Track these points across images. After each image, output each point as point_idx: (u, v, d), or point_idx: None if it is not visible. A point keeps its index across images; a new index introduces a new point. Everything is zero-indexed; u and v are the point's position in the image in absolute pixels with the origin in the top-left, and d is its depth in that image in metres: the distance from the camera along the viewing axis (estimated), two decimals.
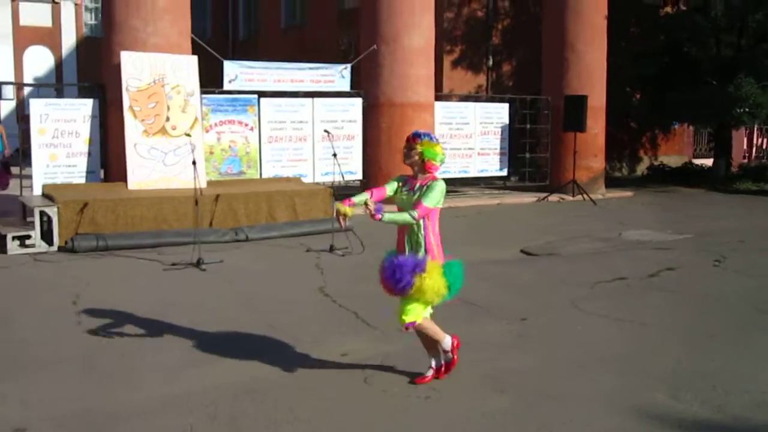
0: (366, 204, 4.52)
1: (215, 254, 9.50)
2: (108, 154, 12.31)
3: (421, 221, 4.73)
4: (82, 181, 12.10)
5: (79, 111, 12.08)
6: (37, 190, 11.62)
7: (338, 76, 14.07)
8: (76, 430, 4.35)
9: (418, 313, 4.84)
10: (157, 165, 11.77)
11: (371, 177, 14.46)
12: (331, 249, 9.94)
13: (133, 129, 11.59)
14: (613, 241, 10.98)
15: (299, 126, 13.76)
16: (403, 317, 4.82)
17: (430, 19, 14.39)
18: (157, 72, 11.79)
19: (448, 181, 15.85)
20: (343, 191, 14.49)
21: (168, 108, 11.90)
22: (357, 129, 14.36)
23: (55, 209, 10.10)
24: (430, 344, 5.05)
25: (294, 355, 5.67)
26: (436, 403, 4.74)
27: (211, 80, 13.21)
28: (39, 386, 5.01)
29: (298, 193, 11.86)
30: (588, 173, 16.73)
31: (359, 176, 14.52)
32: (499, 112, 16.34)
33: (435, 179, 4.78)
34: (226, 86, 13.17)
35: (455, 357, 5.12)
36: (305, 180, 13.72)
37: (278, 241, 10.64)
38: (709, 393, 4.87)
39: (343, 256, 9.73)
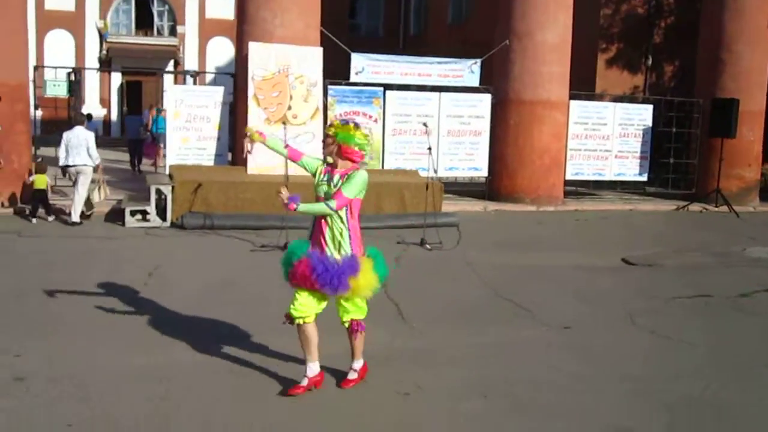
0: (279, 193, 4.51)
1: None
2: (236, 139, 12.94)
3: (344, 214, 4.52)
4: (211, 163, 12.84)
5: (211, 98, 12.83)
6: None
7: (467, 71, 13.96)
8: (67, 386, 4.69)
9: (364, 309, 4.75)
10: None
11: (496, 174, 14.26)
12: (422, 243, 9.94)
13: (255, 116, 12.13)
14: (730, 256, 10.16)
15: (424, 120, 13.76)
16: (354, 316, 4.72)
17: (566, 16, 13.92)
18: (282, 62, 12.26)
19: (581, 183, 15.39)
20: (461, 187, 14.45)
21: (290, 97, 12.35)
22: (484, 125, 14.17)
23: (170, 188, 10.81)
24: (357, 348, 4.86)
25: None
26: (413, 402, 4.68)
27: (339, 71, 13.53)
28: (61, 344, 5.45)
29: (406, 185, 11.92)
30: (739, 183, 15.52)
31: (484, 173, 14.34)
32: (641, 114, 15.50)
33: (357, 169, 4.55)
34: (353, 78, 13.45)
35: (354, 379, 4.87)
36: (424, 174, 13.74)
37: (376, 232, 10.72)
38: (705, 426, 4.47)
39: (430, 250, 9.71)
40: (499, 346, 5.82)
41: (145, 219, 10.81)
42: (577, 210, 13.74)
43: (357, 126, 4.62)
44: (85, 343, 5.50)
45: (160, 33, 29.93)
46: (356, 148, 4.56)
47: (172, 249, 9.32)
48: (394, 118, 13.62)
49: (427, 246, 9.83)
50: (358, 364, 4.87)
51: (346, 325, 4.76)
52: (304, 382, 4.67)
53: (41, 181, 10.95)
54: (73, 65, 27.75)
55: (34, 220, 10.74)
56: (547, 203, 13.84)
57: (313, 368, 4.70)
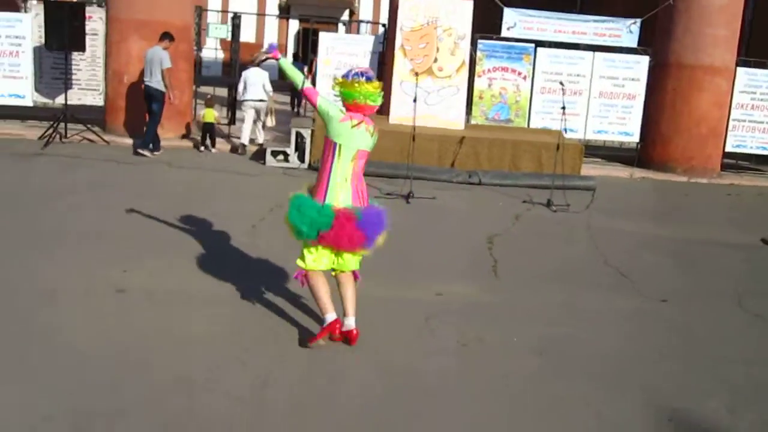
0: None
1: (436, 192, 9.93)
2: (384, 89, 13.19)
3: (352, 169, 4.61)
4: None
5: (361, 46, 13.11)
6: None
7: (625, 30, 13.38)
8: (155, 301, 5.17)
9: (301, 258, 4.70)
10: (419, 103, 12.35)
11: (648, 140, 13.66)
12: (548, 204, 9.81)
13: (401, 67, 12.30)
14: None
15: (575, 80, 13.41)
16: (351, 268, 4.74)
17: None
18: (431, 14, 12.31)
19: (744, 156, 14.16)
20: (609, 152, 13.95)
21: (437, 49, 12.40)
22: (639, 89, 13.56)
23: (309, 131, 11.24)
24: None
25: (394, 290, 5.95)
26: (465, 353, 4.77)
27: (491, 26, 13.40)
28: (164, 264, 5.96)
29: (546, 145, 11.70)
30: None
31: (635, 138, 13.78)
32: None
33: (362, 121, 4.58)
34: (504, 33, 13.27)
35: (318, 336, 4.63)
36: (573, 135, 13.41)
37: (507, 190, 10.70)
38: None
39: (555, 211, 9.56)
40: (583, 311, 5.73)
41: (285, 160, 11.34)
42: (732, 184, 12.95)
43: (362, 79, 4.57)
44: (182, 265, 5.98)
45: None
46: (361, 102, 4.55)
47: (298, 188, 9.73)
48: (544, 76, 13.34)
49: (553, 207, 9.68)
50: (328, 315, 4.60)
51: (334, 275, 4.75)
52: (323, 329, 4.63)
53: (210, 115, 12.06)
54: (256, 11, 29.08)
55: (202, 149, 11.81)
56: (701, 175, 13.13)
57: (331, 315, 4.59)
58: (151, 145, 11.36)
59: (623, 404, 4.19)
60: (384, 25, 13.49)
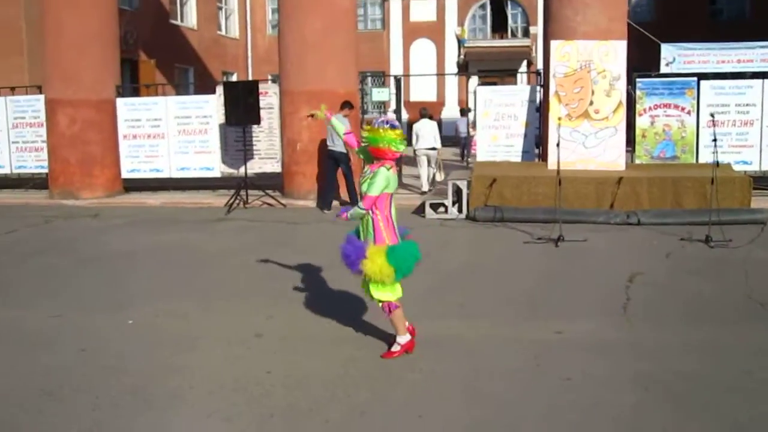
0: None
1: (590, 234, 9.91)
2: (543, 135, 13.35)
3: (373, 209, 5.09)
4: (518, 159, 13.40)
5: (518, 96, 13.39)
6: None
7: None
8: (289, 345, 5.70)
9: (386, 292, 5.19)
10: (577, 147, 12.40)
11: None
12: (707, 240, 9.46)
13: (556, 113, 12.41)
14: None
15: (745, 109, 12.84)
16: (375, 297, 5.26)
17: None
18: (584, 58, 12.37)
19: None
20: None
21: (592, 92, 12.40)
22: None
23: (465, 182, 11.60)
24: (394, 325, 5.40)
25: (515, 329, 6.13)
26: (566, 387, 4.86)
27: (648, 63, 13.20)
28: (299, 311, 6.51)
29: (709, 180, 11.26)
30: None
31: None
32: None
33: (381, 166, 5.04)
34: (663, 69, 13.03)
35: (396, 351, 5.36)
36: (747, 167, 12.81)
37: (668, 228, 10.41)
38: None
39: (712, 248, 9.21)
40: (709, 347, 5.57)
41: (445, 212, 11.75)
42: None
43: (387, 127, 5.07)
44: (312, 311, 6.50)
45: (514, 35, 31.07)
46: (384, 147, 5.03)
47: (451, 238, 10.11)
48: (710, 108, 12.87)
49: (711, 244, 9.32)
50: (401, 339, 5.35)
51: (378, 304, 5.35)
52: (398, 348, 5.38)
53: None
54: (435, 71, 30.12)
55: None
56: None
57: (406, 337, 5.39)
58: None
59: None
60: (538, 73, 13.67)
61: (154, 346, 5.77)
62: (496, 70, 28.98)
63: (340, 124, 5.38)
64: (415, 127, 14.71)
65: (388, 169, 5.08)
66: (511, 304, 6.81)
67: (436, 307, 6.71)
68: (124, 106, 14.70)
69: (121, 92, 15.09)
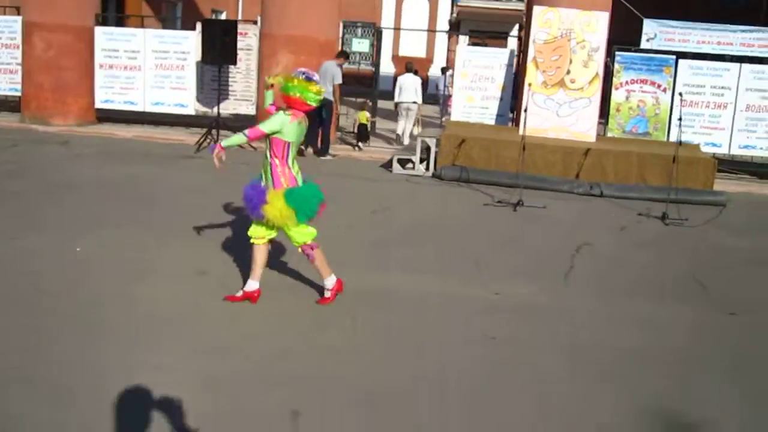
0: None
1: (552, 201, 10.00)
2: (516, 101, 13.37)
3: (268, 153, 5.16)
4: (492, 122, 13.43)
5: (497, 59, 13.36)
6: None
7: None
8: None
9: (302, 236, 5.31)
10: (550, 115, 12.43)
11: None
12: (663, 217, 9.58)
13: (533, 79, 12.41)
14: None
15: (720, 92, 12.90)
16: (296, 242, 5.36)
17: None
18: (566, 26, 12.32)
19: None
20: (759, 168, 13.24)
21: (570, 62, 12.39)
22: None
23: (434, 141, 11.63)
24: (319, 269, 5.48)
25: (457, 287, 6.24)
26: (497, 353, 4.98)
27: (629, 37, 13.19)
28: None
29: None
30: None
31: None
32: None
33: (281, 109, 5.14)
34: (644, 45, 13.03)
35: (329, 297, 5.50)
36: (716, 150, 12.92)
37: (629, 203, 10.53)
38: None
39: (667, 225, 9.34)
40: (633, 320, 5.70)
41: (410, 168, 11.79)
42: None
43: (302, 77, 5.09)
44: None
45: None
46: (294, 96, 5.06)
47: (413, 194, 10.18)
48: (685, 88, 12.91)
49: (666, 221, 9.45)
50: (329, 282, 5.48)
51: (299, 251, 5.45)
52: (240, 293, 5.48)
53: (363, 117, 13.82)
54: (426, 27, 29.88)
55: (361, 145, 13.51)
56: None
57: (252, 284, 5.46)
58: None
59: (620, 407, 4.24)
60: (519, 38, 13.63)
61: (89, 274, 5.83)
62: (487, 31, 28.77)
63: (237, 139, 5.18)
64: (399, 80, 14.80)
65: (287, 115, 5.10)
66: (457, 263, 6.91)
67: (382, 261, 6.80)
68: (103, 35, 14.51)
69: (101, 21, 14.88)
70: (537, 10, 12.42)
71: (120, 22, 19.97)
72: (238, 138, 5.12)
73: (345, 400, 4.03)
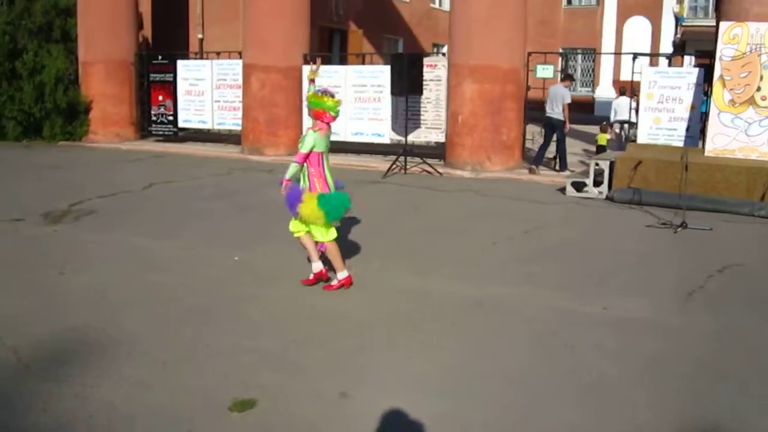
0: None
1: (725, 224, 9.67)
2: (705, 120, 12.88)
3: (305, 162, 6.10)
4: (680, 143, 13.04)
5: (685, 79, 12.97)
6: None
7: None
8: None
9: (322, 234, 6.25)
10: (738, 134, 11.89)
11: None
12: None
13: (720, 98, 11.95)
14: None
15: None
16: (316, 238, 6.30)
17: None
18: (755, 41, 11.76)
19: None
20: None
21: (761, 78, 11.79)
22: None
23: (608, 163, 11.58)
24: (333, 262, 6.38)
25: (570, 297, 6.42)
26: (567, 361, 5.17)
27: None
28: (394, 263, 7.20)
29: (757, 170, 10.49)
30: None
31: None
32: None
33: (311, 129, 6.14)
34: None
35: (333, 285, 6.41)
36: None
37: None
38: None
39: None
40: (749, 341, 5.55)
41: (584, 191, 11.78)
42: None
43: (326, 94, 6.15)
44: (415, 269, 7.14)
45: None
46: (320, 110, 6.13)
47: (574, 216, 10.25)
48: None
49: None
50: (340, 274, 6.40)
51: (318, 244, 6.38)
52: (311, 276, 6.51)
53: (602, 138, 15.70)
54: (649, 50, 29.06)
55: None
56: None
57: (316, 265, 6.48)
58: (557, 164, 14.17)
59: None
60: (707, 54, 13.12)
61: (240, 278, 6.73)
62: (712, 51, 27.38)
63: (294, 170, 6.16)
64: (614, 103, 16.88)
65: (315, 132, 6.07)
66: (582, 277, 7.03)
67: (512, 273, 7.09)
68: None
69: (308, 60, 16.35)
70: (723, 26, 11.97)
71: (343, 60, 21.67)
72: (293, 167, 6.10)
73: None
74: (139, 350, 5.00)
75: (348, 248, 7.76)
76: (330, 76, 15.74)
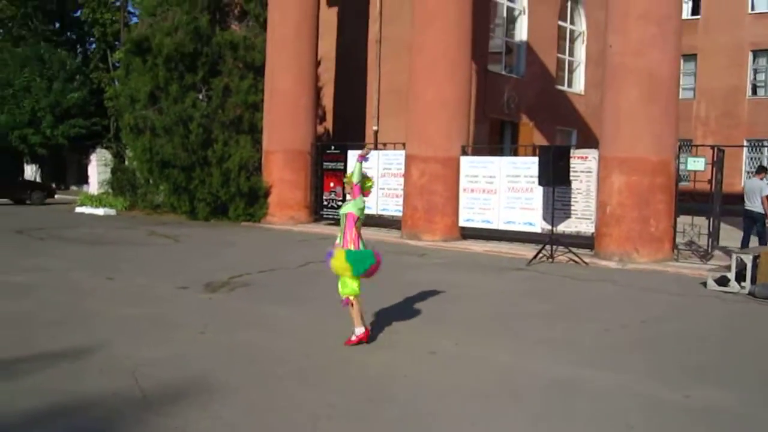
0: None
1: None
2: None
3: (343, 222, 7.26)
4: None
5: None
6: None
7: None
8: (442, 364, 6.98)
9: (346, 289, 7.23)
10: None
11: None
12: None
13: None
14: None
15: None
16: (340, 291, 7.32)
17: None
18: None
19: None
20: None
21: None
22: None
23: (750, 257, 11.34)
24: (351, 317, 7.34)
25: (654, 382, 6.61)
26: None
27: None
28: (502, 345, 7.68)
29: None
30: None
31: None
32: None
33: (354, 198, 7.27)
34: None
35: (353, 340, 7.31)
36: None
37: None
38: None
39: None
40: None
41: (725, 285, 11.55)
42: None
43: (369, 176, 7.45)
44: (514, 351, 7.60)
45: None
46: (364, 188, 7.35)
47: (703, 310, 10.13)
48: None
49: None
50: (357, 330, 7.32)
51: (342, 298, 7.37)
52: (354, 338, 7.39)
53: None
54: None
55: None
56: None
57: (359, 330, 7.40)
58: None
59: None
60: None
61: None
62: None
63: (357, 173, 7.24)
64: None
65: (360, 200, 7.27)
66: (675, 366, 7.11)
67: (609, 359, 7.30)
68: (467, 163, 16.81)
69: (468, 151, 17.23)
70: None
71: (514, 152, 22.43)
72: (356, 203, 7.31)
73: None
74: (239, 398, 5.83)
75: (458, 322, 8.32)
76: (485, 166, 16.52)
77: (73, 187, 40.11)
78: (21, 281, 10.64)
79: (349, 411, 5.64)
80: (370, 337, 7.52)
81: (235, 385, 6.12)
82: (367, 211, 18.68)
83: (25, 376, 6.22)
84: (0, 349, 7.01)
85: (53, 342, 7.32)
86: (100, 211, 23.81)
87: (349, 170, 18.44)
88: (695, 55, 30.78)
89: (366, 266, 7.25)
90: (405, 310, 9.36)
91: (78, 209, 24.96)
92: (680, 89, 27.84)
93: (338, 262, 7.16)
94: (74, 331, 7.79)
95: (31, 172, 40.13)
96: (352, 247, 7.21)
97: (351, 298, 7.27)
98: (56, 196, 31.04)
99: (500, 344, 7.78)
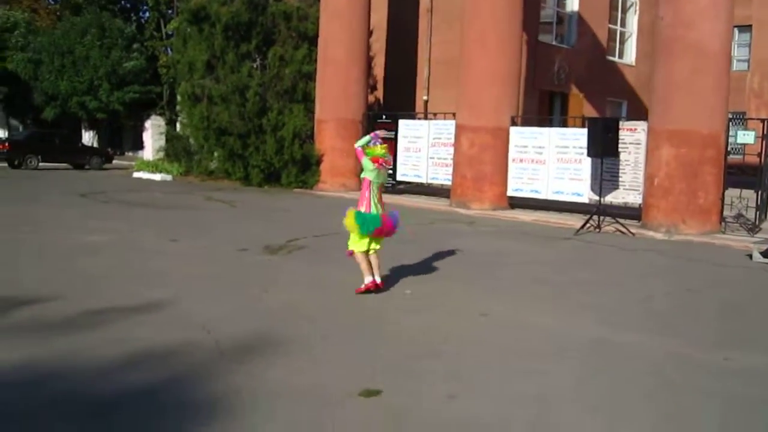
0: None
1: None
2: None
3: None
4: None
5: None
6: None
7: None
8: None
9: (353, 244, 8.11)
10: None
11: None
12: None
13: None
14: None
15: None
16: (349, 246, 8.19)
17: None
18: None
19: None
20: None
21: None
22: None
23: None
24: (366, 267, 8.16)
25: (695, 347, 6.94)
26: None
27: None
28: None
29: None
30: None
31: None
32: None
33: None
34: None
35: (361, 288, 8.16)
36: None
37: None
38: None
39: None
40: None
41: None
42: None
43: (381, 144, 8.16)
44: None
45: None
46: (377, 157, 8.03)
47: (747, 280, 10.35)
48: None
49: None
50: (366, 279, 8.17)
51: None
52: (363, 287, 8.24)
53: None
54: None
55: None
56: None
57: (367, 279, 8.22)
58: None
59: None
60: None
61: (405, 306, 7.92)
62: None
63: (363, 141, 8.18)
64: None
65: (374, 163, 7.99)
66: (717, 332, 7.40)
67: (651, 323, 7.63)
68: (516, 133, 17.06)
69: (517, 122, 17.46)
70: None
71: (563, 123, 22.55)
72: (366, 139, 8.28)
73: None
74: (303, 348, 6.32)
75: (507, 288, 8.71)
76: (534, 137, 16.75)
77: (129, 153, 41.17)
78: (93, 241, 11.30)
79: (400, 365, 6.08)
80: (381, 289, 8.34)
81: (298, 339, 6.61)
82: (417, 179, 19.63)
83: (106, 327, 6.79)
84: (81, 301, 7.60)
85: (128, 297, 7.88)
86: (156, 177, 24.57)
87: (397, 139, 19.11)
88: (750, 26, 30.25)
89: (371, 228, 8.01)
90: (455, 274, 9.77)
91: (135, 174, 25.80)
92: (734, 61, 27.62)
93: (349, 220, 8.03)
94: (145, 288, 8.34)
95: (88, 138, 41.23)
96: (363, 210, 8.01)
97: (356, 252, 8.11)
98: (113, 161, 31.96)
99: (547, 309, 8.13)
